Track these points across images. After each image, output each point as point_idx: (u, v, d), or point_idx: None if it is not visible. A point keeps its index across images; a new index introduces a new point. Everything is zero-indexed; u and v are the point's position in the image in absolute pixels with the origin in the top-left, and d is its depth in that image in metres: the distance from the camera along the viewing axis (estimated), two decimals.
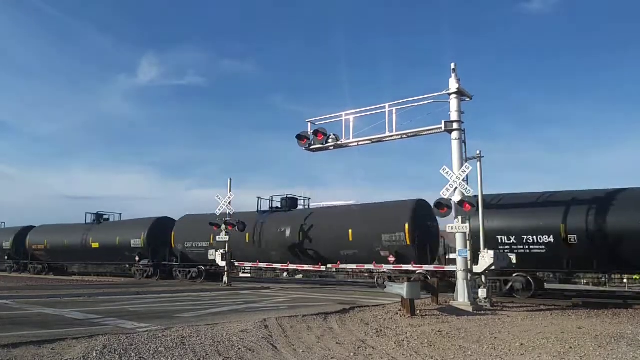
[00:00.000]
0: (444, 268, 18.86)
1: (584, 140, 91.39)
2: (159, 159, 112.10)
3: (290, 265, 23.63)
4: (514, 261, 15.38)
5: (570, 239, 16.38)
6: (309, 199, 27.08)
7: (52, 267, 36.51)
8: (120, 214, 35.38)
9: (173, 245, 28.47)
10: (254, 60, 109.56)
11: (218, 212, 24.41)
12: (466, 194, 14.39)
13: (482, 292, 14.71)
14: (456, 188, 14.51)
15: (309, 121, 18.48)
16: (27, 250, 36.81)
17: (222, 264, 24.11)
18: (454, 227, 14.59)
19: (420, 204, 21.07)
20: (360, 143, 17.91)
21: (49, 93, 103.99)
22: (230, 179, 24.68)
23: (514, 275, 17.34)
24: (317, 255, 23.00)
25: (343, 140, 17.79)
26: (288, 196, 26.49)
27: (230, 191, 24.50)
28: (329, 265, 22.57)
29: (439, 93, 15.68)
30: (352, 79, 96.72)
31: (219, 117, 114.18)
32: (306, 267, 23.18)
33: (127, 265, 32.50)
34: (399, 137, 16.90)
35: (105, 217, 35.17)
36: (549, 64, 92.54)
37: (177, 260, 28.11)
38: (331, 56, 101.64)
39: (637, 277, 24.71)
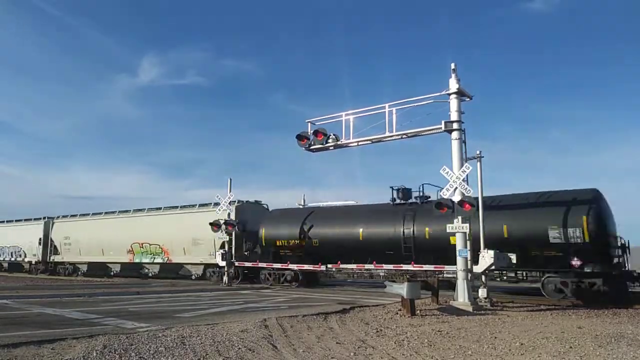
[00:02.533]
0: (443, 268, 18.86)
1: (585, 140, 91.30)
2: (159, 159, 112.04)
3: (290, 264, 23.56)
4: (514, 261, 15.33)
5: None
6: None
7: None
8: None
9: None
10: (254, 60, 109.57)
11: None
12: (466, 194, 14.43)
13: (482, 292, 14.75)
14: (456, 188, 14.55)
15: (309, 121, 18.51)
16: None
17: (223, 263, 24.22)
18: (454, 227, 14.63)
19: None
20: (360, 143, 17.94)
21: (49, 93, 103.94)
22: (230, 179, 24.76)
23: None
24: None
25: (343, 140, 17.82)
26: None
27: (230, 191, 24.58)
28: (329, 265, 22.54)
29: (439, 93, 15.71)
30: (352, 79, 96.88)
31: (220, 116, 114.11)
32: (306, 267, 23.14)
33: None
34: (399, 137, 16.92)
35: None
36: (550, 64, 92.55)
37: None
38: (331, 56, 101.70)
39: None
